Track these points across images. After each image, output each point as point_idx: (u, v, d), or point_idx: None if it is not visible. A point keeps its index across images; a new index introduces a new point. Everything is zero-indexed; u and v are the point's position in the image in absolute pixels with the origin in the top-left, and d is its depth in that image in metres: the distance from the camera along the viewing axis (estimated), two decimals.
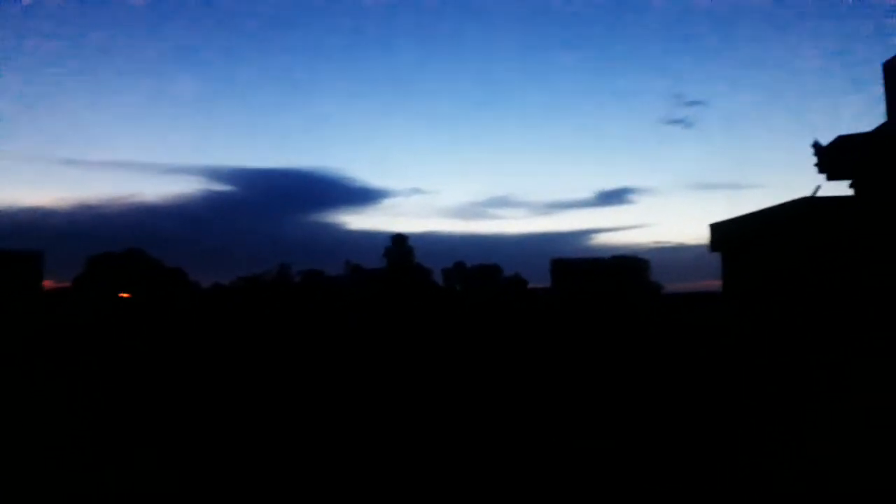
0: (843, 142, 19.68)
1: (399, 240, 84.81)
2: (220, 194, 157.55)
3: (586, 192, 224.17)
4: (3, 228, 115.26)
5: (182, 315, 47.07)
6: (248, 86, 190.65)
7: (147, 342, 23.84)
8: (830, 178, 19.97)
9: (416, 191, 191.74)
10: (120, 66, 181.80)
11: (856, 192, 19.61)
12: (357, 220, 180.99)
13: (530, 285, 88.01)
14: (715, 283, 27.62)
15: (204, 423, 9.79)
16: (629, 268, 79.77)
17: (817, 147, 20.34)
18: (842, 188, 19.99)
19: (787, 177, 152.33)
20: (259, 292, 74.33)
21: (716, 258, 23.70)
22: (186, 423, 9.78)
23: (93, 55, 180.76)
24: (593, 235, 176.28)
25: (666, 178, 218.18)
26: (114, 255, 71.36)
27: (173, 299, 65.47)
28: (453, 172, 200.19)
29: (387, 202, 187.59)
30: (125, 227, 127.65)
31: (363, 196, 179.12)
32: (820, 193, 19.06)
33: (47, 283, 69.67)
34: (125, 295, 68.34)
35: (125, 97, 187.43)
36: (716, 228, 21.60)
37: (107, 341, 24.21)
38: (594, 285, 74.10)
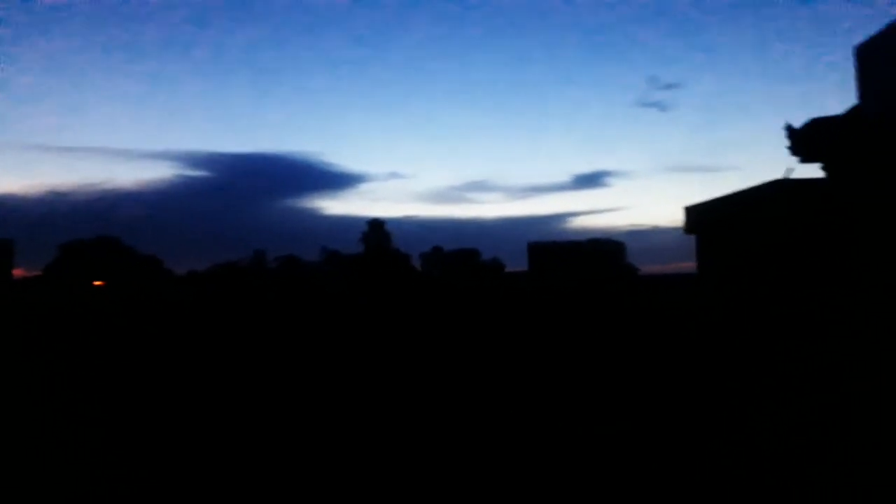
0: (815, 125, 19.87)
1: (376, 225, 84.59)
2: (194, 179, 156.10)
3: (563, 176, 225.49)
4: None
5: (157, 303, 46.54)
6: (223, 70, 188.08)
7: (121, 331, 23.51)
8: (803, 160, 20.17)
9: (394, 175, 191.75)
10: (92, 51, 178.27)
11: (828, 173, 19.84)
12: (334, 206, 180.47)
13: (508, 269, 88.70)
14: (690, 265, 27.96)
15: (181, 414, 9.67)
16: (605, 251, 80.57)
17: (790, 130, 20.52)
18: (814, 170, 20.21)
19: (761, 159, 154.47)
20: (235, 279, 73.86)
21: (691, 240, 23.90)
22: (162, 413, 9.65)
23: (65, 41, 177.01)
24: (570, 219, 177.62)
25: (642, 161, 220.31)
26: (86, 242, 70.39)
27: (147, 287, 64.77)
28: (431, 157, 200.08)
29: (364, 187, 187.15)
30: (97, 214, 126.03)
31: (340, 181, 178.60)
32: (793, 175, 19.26)
33: (17, 272, 68.70)
34: (98, 283, 67.52)
35: (98, 82, 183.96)
36: (691, 211, 21.77)
37: (79, 330, 23.84)
38: (571, 268, 74.72)
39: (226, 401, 10.23)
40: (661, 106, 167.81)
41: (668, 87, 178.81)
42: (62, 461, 7.20)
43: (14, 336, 21.74)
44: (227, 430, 8.38)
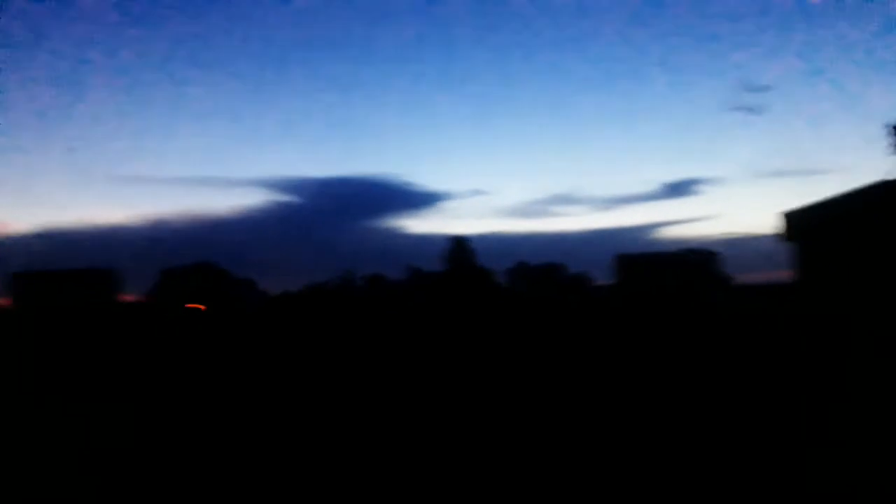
0: None
1: (459, 241, 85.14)
2: (284, 205, 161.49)
3: (650, 185, 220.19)
4: (81, 247, 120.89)
5: (254, 322, 48.26)
6: (307, 97, 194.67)
7: (221, 351, 24.47)
8: None
9: (477, 192, 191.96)
10: (184, 84, 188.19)
11: None
12: (417, 224, 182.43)
13: (596, 282, 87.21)
14: (785, 273, 26.66)
15: (279, 428, 9.94)
16: (697, 260, 77.98)
17: (894, 128, 19.42)
18: None
19: (859, 160, 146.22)
20: (325, 298, 75.80)
21: (786, 247, 22.83)
22: (263, 429, 9.95)
23: (156, 76, 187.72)
24: (659, 229, 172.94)
25: (733, 167, 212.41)
26: (186, 267, 74.04)
27: (244, 308, 67.35)
28: (513, 172, 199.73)
29: (447, 204, 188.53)
30: (195, 240, 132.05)
31: (423, 200, 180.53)
32: None
33: (125, 297, 72.92)
34: (198, 306, 70.71)
35: (189, 114, 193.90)
36: (790, 217, 20.84)
37: (182, 351, 24.96)
38: (660, 279, 72.66)
39: (323, 413, 10.47)
40: (752, 109, 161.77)
41: (759, 89, 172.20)
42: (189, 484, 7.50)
43: (123, 358, 22.95)
44: (328, 443, 8.57)
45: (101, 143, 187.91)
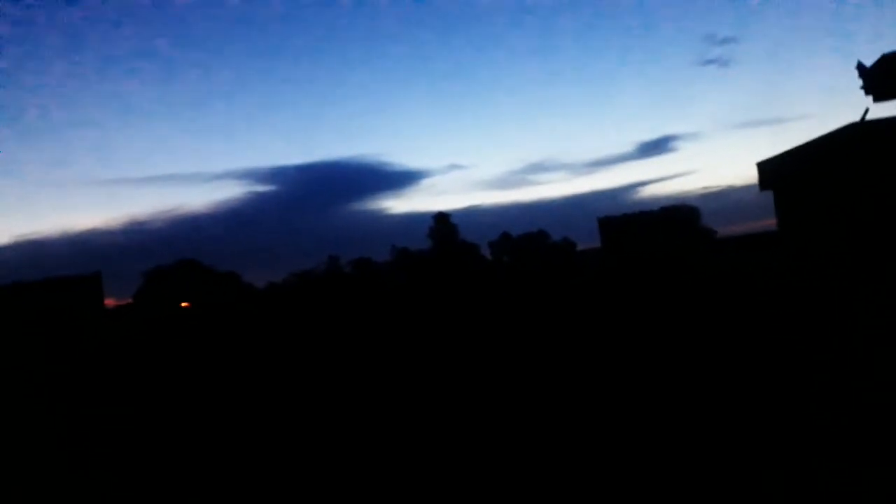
0: (887, 60, 18.61)
1: (441, 219, 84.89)
2: (262, 195, 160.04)
3: (627, 146, 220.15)
4: (61, 253, 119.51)
5: (240, 318, 48.02)
6: (277, 84, 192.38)
7: (211, 349, 24.29)
8: (877, 98, 18.93)
9: (454, 167, 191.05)
10: (150, 81, 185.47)
11: None
12: (399, 204, 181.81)
13: (580, 247, 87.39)
14: (771, 222, 26.65)
15: (270, 424, 9.84)
16: (679, 217, 78.16)
17: (861, 68, 19.31)
18: (891, 108, 18.96)
19: (832, 104, 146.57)
20: (312, 286, 75.50)
21: (768, 197, 22.85)
22: (261, 422, 9.84)
23: (122, 75, 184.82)
24: (639, 189, 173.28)
25: (707, 120, 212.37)
26: (168, 267, 73.43)
27: (230, 304, 67.00)
28: (488, 144, 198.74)
29: (426, 182, 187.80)
30: (176, 238, 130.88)
31: (402, 179, 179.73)
32: (869, 116, 18.13)
33: (108, 302, 72.27)
34: (184, 304, 70.26)
35: (159, 112, 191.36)
36: (764, 166, 20.77)
37: (172, 352, 24.77)
38: (645, 240, 72.88)
39: (321, 404, 10.37)
40: (720, 62, 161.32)
41: (725, 41, 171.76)
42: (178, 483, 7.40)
43: (112, 362, 22.75)
44: (329, 434, 8.47)
45: (72, 149, 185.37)
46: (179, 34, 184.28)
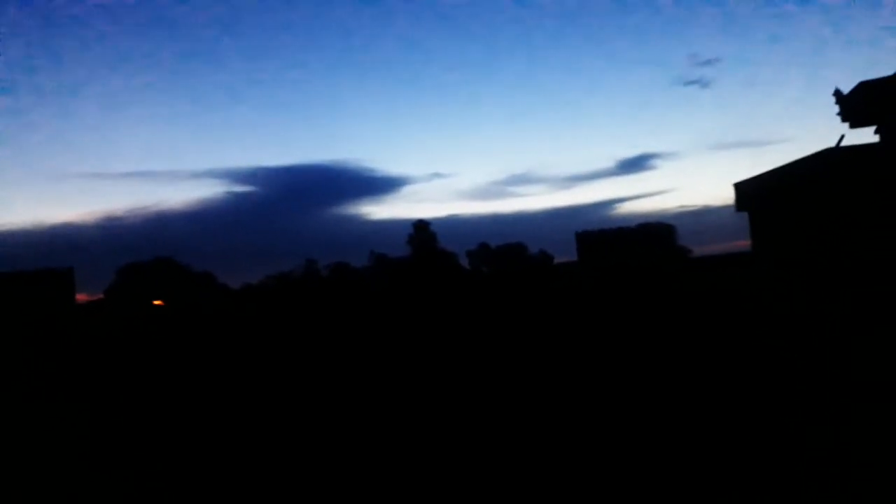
0: (864, 88, 19.11)
1: (421, 226, 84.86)
2: (241, 195, 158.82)
3: (607, 162, 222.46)
4: (34, 246, 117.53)
5: (214, 318, 47.61)
6: (261, 85, 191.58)
7: (181, 349, 24.09)
8: (854, 125, 19.42)
9: (436, 175, 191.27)
10: (132, 77, 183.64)
11: (881, 137, 19.08)
12: (379, 210, 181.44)
13: (557, 260, 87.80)
14: (745, 243, 27.11)
15: (242, 425, 9.83)
16: (655, 234, 78.94)
17: (839, 95, 19.79)
18: (867, 135, 19.44)
19: (810, 129, 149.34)
20: (288, 289, 75.04)
21: (744, 218, 23.26)
22: (224, 427, 9.82)
23: (104, 69, 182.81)
24: (617, 205, 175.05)
25: (686, 140, 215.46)
26: (142, 264, 72.51)
27: (204, 303, 66.37)
28: (471, 154, 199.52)
29: (407, 189, 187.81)
30: (151, 235, 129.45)
31: (383, 185, 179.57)
32: (844, 142, 18.58)
33: (80, 297, 71.19)
34: (158, 303, 69.43)
35: (139, 107, 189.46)
36: (740, 187, 21.17)
37: (141, 350, 24.52)
38: (621, 255, 73.51)
39: (286, 408, 10.37)
40: (701, 83, 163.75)
41: (707, 62, 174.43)
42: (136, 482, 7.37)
43: (81, 358, 22.46)
44: (292, 439, 8.49)
45: (48, 141, 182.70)
46: (160, 31, 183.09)
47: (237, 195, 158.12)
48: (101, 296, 70.40)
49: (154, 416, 10.97)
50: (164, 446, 8.70)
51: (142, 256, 72.32)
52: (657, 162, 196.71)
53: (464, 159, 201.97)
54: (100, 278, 73.01)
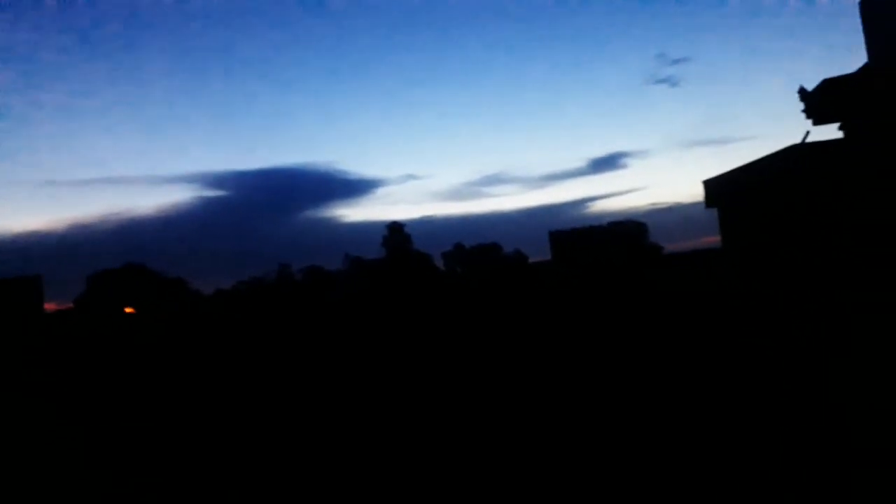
0: (828, 85, 19.48)
1: (395, 228, 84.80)
2: (213, 200, 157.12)
3: (579, 161, 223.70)
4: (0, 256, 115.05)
5: (187, 324, 47.06)
6: (232, 88, 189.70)
7: (153, 356, 23.78)
8: (818, 122, 19.77)
9: (410, 177, 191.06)
10: (99, 82, 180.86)
11: (845, 134, 19.46)
12: (353, 213, 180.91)
13: (531, 260, 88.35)
14: (716, 240, 27.49)
15: (219, 432, 9.73)
16: (627, 232, 79.93)
17: (803, 93, 20.14)
18: (831, 132, 19.81)
19: (777, 126, 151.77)
20: (262, 294, 74.45)
21: (713, 214, 23.60)
22: (200, 433, 9.72)
23: (70, 75, 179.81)
24: (590, 204, 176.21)
25: (656, 138, 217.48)
26: (113, 271, 71.43)
27: (176, 310, 65.57)
28: (444, 155, 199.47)
29: (381, 191, 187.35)
30: (122, 242, 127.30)
31: (357, 187, 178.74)
32: (809, 139, 18.92)
33: (49, 306, 69.89)
34: (129, 310, 68.46)
35: (108, 113, 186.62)
36: (709, 184, 21.46)
37: (112, 358, 24.16)
38: (594, 253, 74.28)
39: (261, 415, 10.30)
40: (671, 81, 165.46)
41: (677, 61, 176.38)
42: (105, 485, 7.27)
43: (49, 367, 22.08)
44: (265, 444, 8.43)
45: (12, 147, 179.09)
46: (131, 34, 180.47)
47: (209, 200, 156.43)
48: (71, 305, 69.22)
49: (126, 422, 10.83)
50: (137, 453, 8.58)
51: (112, 264, 71.27)
52: (628, 160, 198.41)
53: (437, 160, 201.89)
54: (70, 287, 71.79)
